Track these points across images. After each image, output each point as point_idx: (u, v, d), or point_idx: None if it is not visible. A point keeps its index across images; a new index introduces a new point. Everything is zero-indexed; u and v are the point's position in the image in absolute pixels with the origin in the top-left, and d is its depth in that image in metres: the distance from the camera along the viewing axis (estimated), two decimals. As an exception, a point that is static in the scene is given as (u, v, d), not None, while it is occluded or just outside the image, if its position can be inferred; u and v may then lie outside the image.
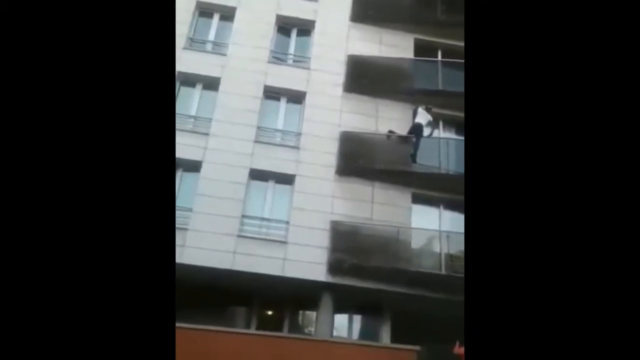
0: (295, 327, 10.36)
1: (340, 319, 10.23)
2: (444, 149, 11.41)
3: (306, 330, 10.36)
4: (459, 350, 7.61)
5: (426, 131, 11.01)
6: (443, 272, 9.95)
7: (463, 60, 12.95)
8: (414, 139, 10.87)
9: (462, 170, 11.08)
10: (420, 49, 12.46)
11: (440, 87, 11.71)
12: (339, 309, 9.90)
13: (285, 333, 9.70)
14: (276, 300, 10.12)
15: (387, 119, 11.40)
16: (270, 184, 10.61)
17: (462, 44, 12.57)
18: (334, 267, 9.62)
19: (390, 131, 11.20)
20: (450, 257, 10.33)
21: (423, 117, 11.03)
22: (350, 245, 9.84)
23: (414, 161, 10.83)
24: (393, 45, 12.31)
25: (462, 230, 10.42)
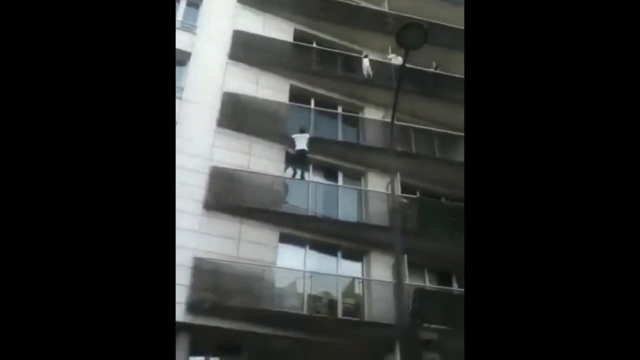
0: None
1: (196, 363, 9.59)
2: (312, 191, 11.78)
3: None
4: None
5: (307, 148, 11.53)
6: (305, 312, 10.02)
7: (333, 110, 13.83)
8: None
9: (328, 213, 11.55)
10: (295, 94, 12.97)
11: (312, 133, 12.23)
12: (195, 351, 9.28)
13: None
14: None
15: (260, 157, 11.47)
16: (130, 215, 9.80)
17: (332, 94, 13.47)
18: (194, 307, 9.07)
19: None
20: (313, 298, 10.48)
21: (302, 140, 11.48)
22: (212, 284, 9.41)
23: (302, 177, 11.52)
24: (269, 88, 12.61)
25: (326, 271, 10.80)
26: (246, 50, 12.82)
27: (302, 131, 11.69)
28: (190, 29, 12.92)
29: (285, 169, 11.78)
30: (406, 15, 13.74)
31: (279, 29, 13.78)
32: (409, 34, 7.35)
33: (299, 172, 11.78)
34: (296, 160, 11.61)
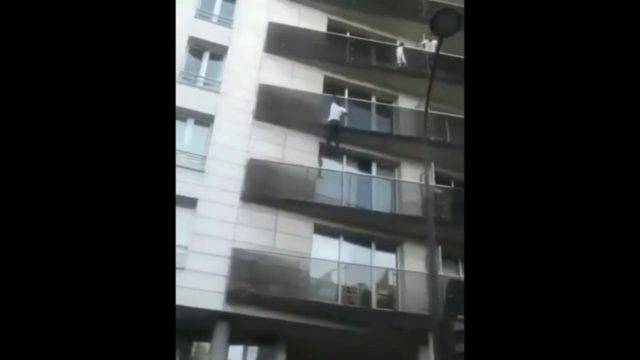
0: (187, 359, 9.85)
1: (235, 351, 9.95)
2: (346, 182, 11.87)
3: (198, 362, 9.91)
4: None
5: (342, 121, 11.61)
6: (339, 302, 10.18)
7: (367, 101, 13.76)
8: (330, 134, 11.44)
9: (362, 204, 11.61)
10: (329, 85, 13.00)
11: (346, 124, 12.27)
12: (234, 340, 9.63)
13: (175, 365, 9.18)
14: (167, 330, 9.57)
15: (294, 149, 11.62)
16: (170, 207, 10.17)
17: (365, 84, 13.41)
18: (232, 296, 9.40)
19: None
20: (347, 289, 10.63)
21: (336, 111, 11.53)
22: (250, 274, 9.70)
23: (337, 146, 11.42)
24: (304, 79, 12.70)
25: (360, 262, 10.92)
26: (281, 42, 12.93)
27: (338, 102, 11.81)
28: (227, 23, 13.12)
29: (320, 153, 11.82)
30: (440, 1, 13.46)
31: (313, 20, 13.79)
32: (443, 20, 7.24)
33: (332, 143, 11.62)
34: (330, 130, 11.50)
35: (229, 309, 9.37)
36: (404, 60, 13.62)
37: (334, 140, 11.58)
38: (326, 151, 11.85)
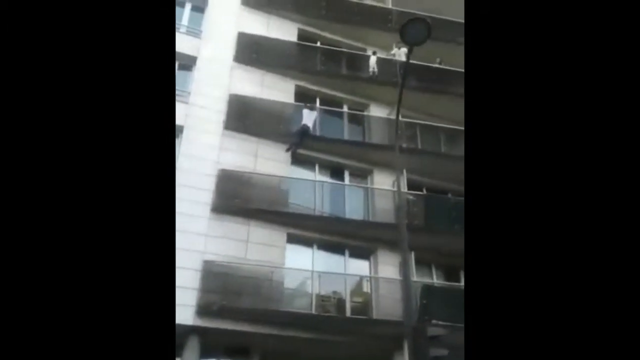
0: (158, 376, 9.59)
1: (208, 365, 9.74)
2: (319, 191, 11.85)
3: (169, 379, 9.63)
4: None
5: (314, 126, 11.68)
6: (314, 312, 10.10)
7: (338, 109, 13.83)
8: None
9: (335, 212, 11.61)
10: (300, 94, 13.02)
11: (317, 132, 12.28)
12: (205, 354, 9.42)
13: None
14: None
15: (266, 159, 11.55)
16: (139, 219, 9.94)
17: (337, 93, 13.49)
18: (203, 309, 9.21)
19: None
20: (322, 298, 10.56)
21: (309, 117, 11.58)
22: (222, 286, 9.54)
23: (297, 149, 11.46)
24: (275, 89, 12.68)
25: (334, 270, 10.87)
26: (251, 52, 12.91)
27: (311, 108, 11.91)
28: (196, 33, 13.04)
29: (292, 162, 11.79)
30: (409, 11, 13.69)
31: (282, 30, 13.84)
32: (412, 29, 7.34)
33: (295, 148, 11.57)
34: (299, 135, 11.48)
35: (200, 322, 9.18)
36: (375, 69, 13.77)
37: (299, 145, 11.56)
38: (292, 155, 11.76)
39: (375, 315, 10.45)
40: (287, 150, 11.59)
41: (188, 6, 13.56)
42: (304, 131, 11.46)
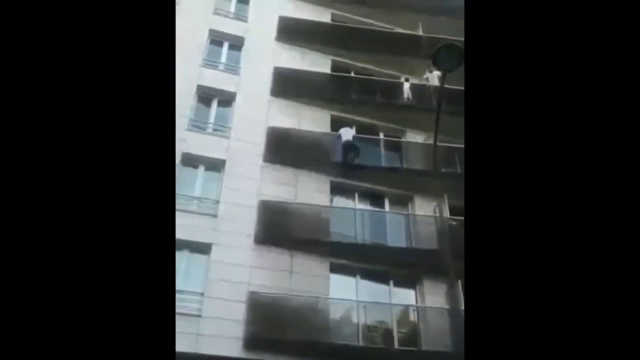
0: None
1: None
2: (359, 219, 11.81)
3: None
4: None
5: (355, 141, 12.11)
6: (361, 343, 9.92)
7: (376, 137, 13.90)
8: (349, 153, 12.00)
9: (377, 240, 11.51)
10: (337, 124, 13.17)
11: (356, 161, 12.33)
12: (254, 387, 9.37)
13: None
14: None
15: (305, 189, 11.67)
16: (185, 253, 10.17)
17: (373, 121, 13.57)
18: (250, 342, 9.21)
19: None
20: (368, 328, 10.38)
21: (347, 133, 12.11)
22: (267, 318, 9.54)
23: (354, 161, 12.01)
24: (311, 120, 12.91)
25: (379, 299, 10.70)
26: (287, 85, 13.25)
27: (347, 127, 12.42)
28: (234, 70, 13.52)
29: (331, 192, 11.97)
30: (441, 36, 13.76)
31: (317, 62, 14.17)
32: (445, 55, 7.37)
33: (352, 157, 12.07)
34: (344, 150, 11.97)
35: (247, 354, 9.16)
36: (410, 95, 13.82)
37: (350, 159, 12.00)
38: (343, 172, 12.09)
39: (424, 346, 10.16)
40: (345, 166, 12.02)
41: (226, 45, 14.11)
42: (348, 146, 11.82)
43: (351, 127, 12.66)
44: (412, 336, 10.57)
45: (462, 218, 12.20)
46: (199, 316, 9.32)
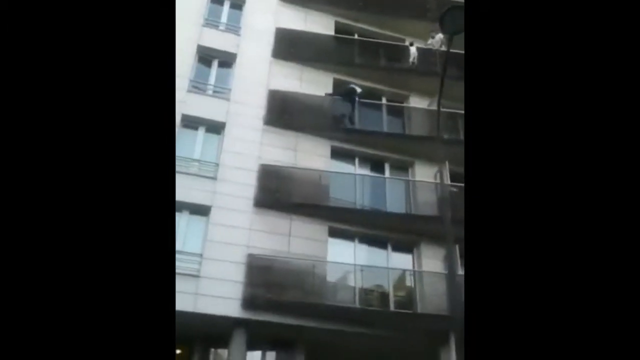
0: (205, 366, 9.85)
1: (253, 356, 9.90)
2: (359, 184, 11.79)
3: (217, 370, 9.88)
4: None
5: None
6: (357, 305, 10.08)
7: (378, 101, 13.75)
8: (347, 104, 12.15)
9: (376, 206, 11.53)
10: (338, 88, 12.96)
11: (357, 125, 12.20)
12: (252, 346, 9.59)
13: (194, 373, 9.17)
14: (186, 338, 9.57)
15: (306, 152, 11.59)
16: (184, 214, 10.21)
17: (376, 85, 13.34)
18: (249, 302, 9.37)
19: (327, 94, 12.50)
20: (365, 291, 10.53)
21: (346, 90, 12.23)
22: (265, 279, 9.67)
23: (352, 124, 12.03)
24: (313, 83, 12.69)
25: (376, 264, 10.81)
26: (289, 47, 12.96)
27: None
28: (235, 30, 13.20)
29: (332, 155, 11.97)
30: (449, -1, 13.36)
31: (320, 24, 13.81)
32: (452, 17, 7.13)
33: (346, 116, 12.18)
34: (345, 97, 12.17)
35: (245, 315, 9.34)
36: (415, 60, 13.53)
37: (350, 112, 12.11)
38: (344, 125, 12.27)
39: (420, 309, 10.33)
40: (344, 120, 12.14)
41: (227, 4, 13.72)
42: (350, 91, 11.94)
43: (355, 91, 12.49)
44: (408, 300, 10.74)
45: (463, 185, 12.19)
46: (198, 276, 9.44)
